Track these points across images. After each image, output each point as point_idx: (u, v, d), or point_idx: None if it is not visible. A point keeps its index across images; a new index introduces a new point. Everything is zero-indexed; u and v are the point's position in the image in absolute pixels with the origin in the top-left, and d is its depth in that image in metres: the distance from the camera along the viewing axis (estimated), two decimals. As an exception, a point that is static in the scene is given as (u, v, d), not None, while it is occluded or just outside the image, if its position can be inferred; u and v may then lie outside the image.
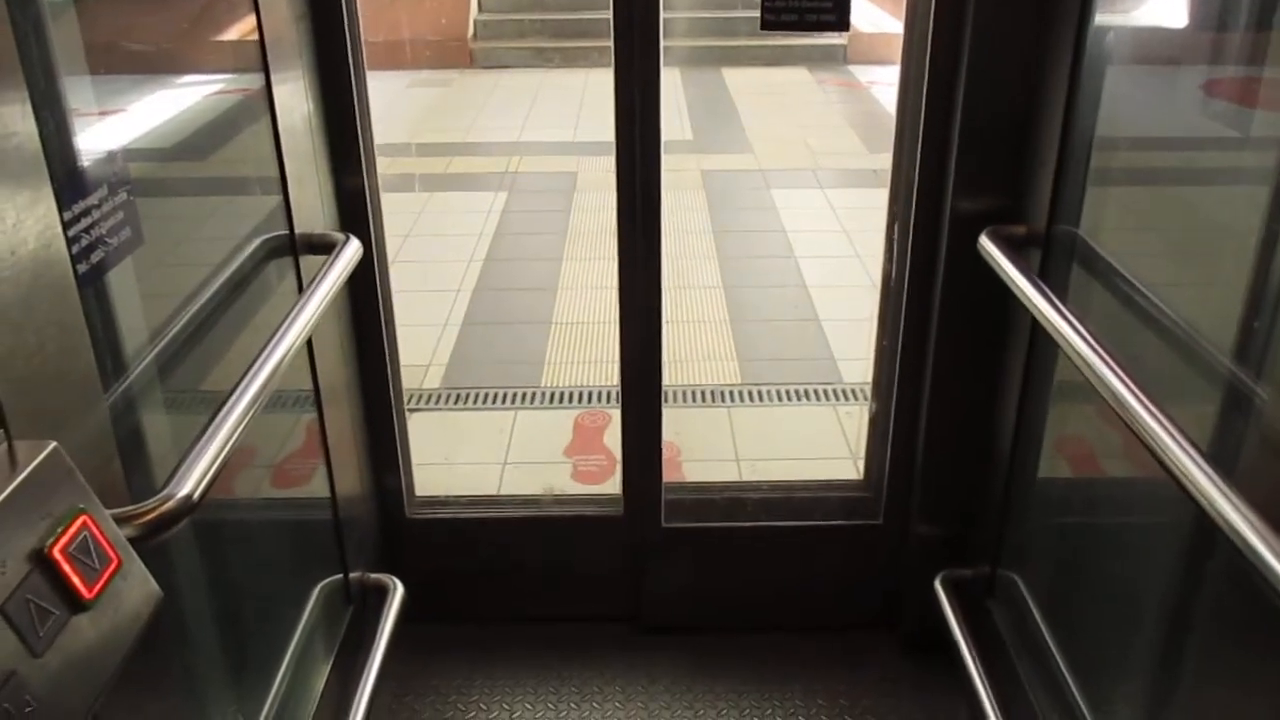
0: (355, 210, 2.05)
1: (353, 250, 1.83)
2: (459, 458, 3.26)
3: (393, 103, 8.22)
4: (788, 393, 3.66)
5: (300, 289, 1.79)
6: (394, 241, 2.27)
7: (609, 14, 1.92)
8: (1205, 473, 1.16)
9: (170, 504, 1.10)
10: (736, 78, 9.16)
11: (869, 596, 2.49)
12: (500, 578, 2.51)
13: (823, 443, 3.39)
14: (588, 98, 8.52)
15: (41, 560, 0.85)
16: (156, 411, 1.41)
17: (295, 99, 1.80)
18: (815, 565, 2.45)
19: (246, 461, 1.73)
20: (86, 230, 1.16)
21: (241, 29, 1.65)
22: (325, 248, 1.82)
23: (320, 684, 1.96)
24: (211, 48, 1.71)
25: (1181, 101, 1.61)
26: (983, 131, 1.91)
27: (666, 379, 2.28)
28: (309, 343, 1.79)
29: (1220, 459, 1.24)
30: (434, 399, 3.66)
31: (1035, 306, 1.64)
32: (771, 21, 1.90)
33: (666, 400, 2.32)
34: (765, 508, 2.45)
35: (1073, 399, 1.88)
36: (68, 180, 1.13)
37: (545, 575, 2.52)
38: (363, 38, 1.95)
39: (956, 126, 1.92)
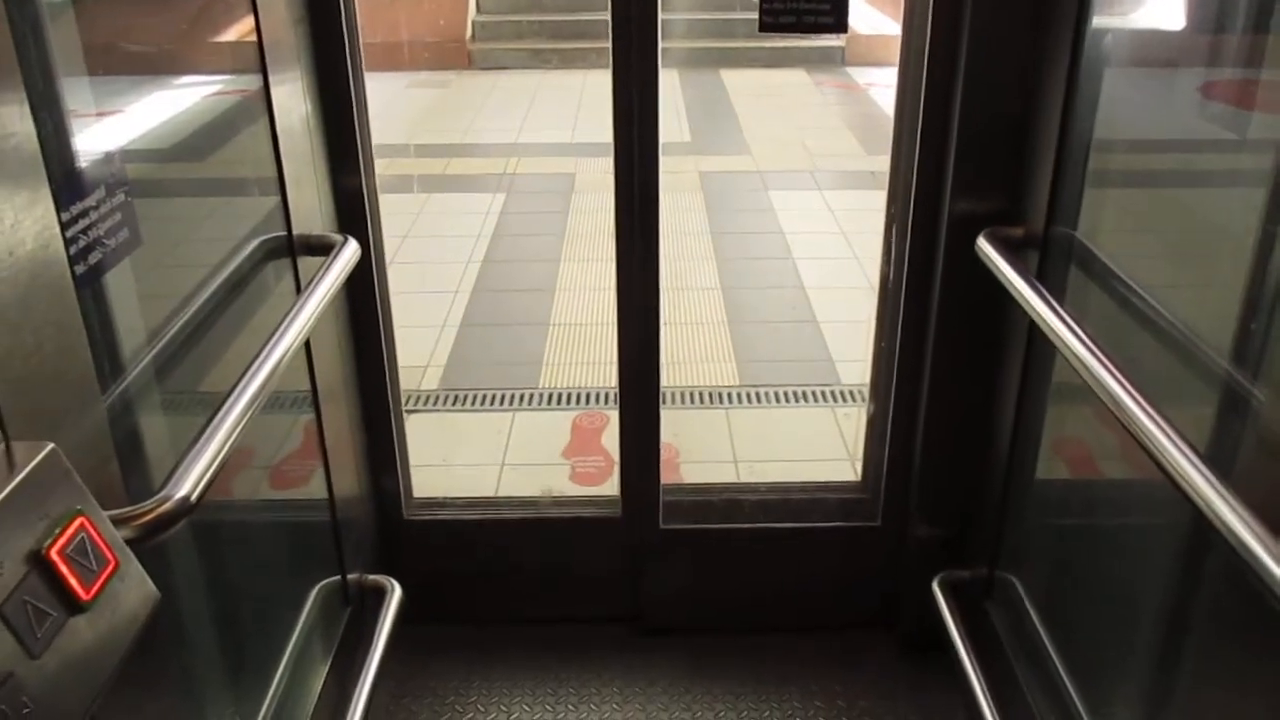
0: (353, 211, 2.05)
1: (351, 251, 1.83)
2: (457, 459, 3.26)
3: (391, 104, 8.22)
4: (786, 394, 3.66)
5: (298, 290, 1.79)
6: (392, 242, 2.27)
7: (607, 15, 1.93)
8: (1202, 474, 1.16)
9: (168, 505, 1.10)
10: (735, 79, 9.17)
11: (867, 597, 2.49)
12: (498, 579, 2.51)
13: (820, 444, 3.39)
14: (586, 99, 8.52)
15: (39, 562, 0.85)
16: (154, 413, 1.41)
17: (293, 100, 1.80)
18: (813, 567, 2.45)
19: (244, 463, 1.73)
20: (84, 231, 1.16)
21: (240, 30, 1.65)
22: (323, 249, 1.82)
23: (318, 685, 1.96)
24: (210, 49, 1.71)
25: (1179, 104, 1.61)
26: (980, 133, 1.91)
27: (664, 380, 2.28)
28: (307, 344, 1.79)
29: (1217, 460, 1.24)
30: (432, 400, 3.65)
31: (1033, 308, 1.64)
32: (770, 23, 1.90)
33: (665, 402, 2.32)
34: (763, 509, 2.45)
35: (1070, 401, 1.89)
36: (66, 181, 1.13)
37: (543, 577, 2.51)
38: (361, 39, 1.95)
39: (954, 128, 1.92)
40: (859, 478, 2.51)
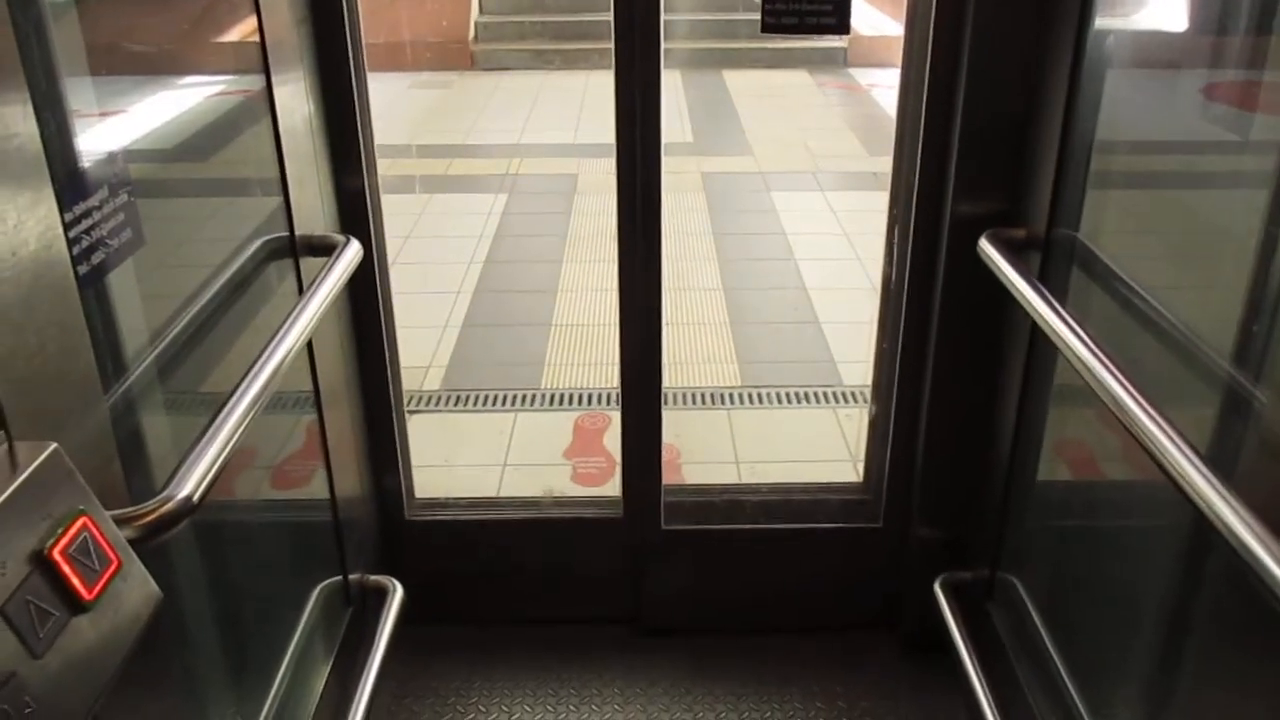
0: (355, 212, 2.05)
1: (353, 252, 1.83)
2: (459, 459, 3.26)
3: (393, 104, 8.22)
4: (787, 395, 3.66)
5: (300, 290, 1.79)
6: (394, 243, 2.27)
7: (610, 16, 1.93)
8: (1204, 476, 1.16)
9: (170, 505, 1.10)
10: (737, 80, 9.17)
11: (868, 598, 2.49)
12: (500, 579, 2.51)
13: (822, 445, 3.38)
14: (588, 100, 8.52)
15: (41, 561, 0.85)
16: (157, 413, 1.41)
17: (296, 100, 1.80)
18: (815, 567, 2.45)
19: (246, 463, 1.73)
20: (87, 231, 1.16)
21: (242, 30, 1.65)
22: (326, 249, 1.82)
23: (320, 685, 1.96)
24: (212, 49, 1.71)
25: (1181, 105, 1.61)
26: (983, 134, 1.91)
27: (666, 381, 2.28)
28: (309, 344, 1.79)
29: (1219, 462, 1.24)
30: (434, 401, 3.66)
31: (1035, 310, 1.64)
32: (772, 24, 1.90)
33: (666, 402, 2.32)
34: (765, 510, 2.45)
35: (1072, 402, 1.88)
36: (69, 181, 1.13)
37: (545, 577, 2.52)
38: (363, 39, 1.95)
39: (956, 130, 1.92)
40: (861, 479, 2.51)
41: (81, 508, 0.90)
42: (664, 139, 2.01)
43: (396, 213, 2.74)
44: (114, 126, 1.33)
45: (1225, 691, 1.43)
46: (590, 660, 2.42)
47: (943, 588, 2.20)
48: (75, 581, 0.87)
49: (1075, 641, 1.85)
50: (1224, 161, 1.53)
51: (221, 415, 1.29)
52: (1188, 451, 1.21)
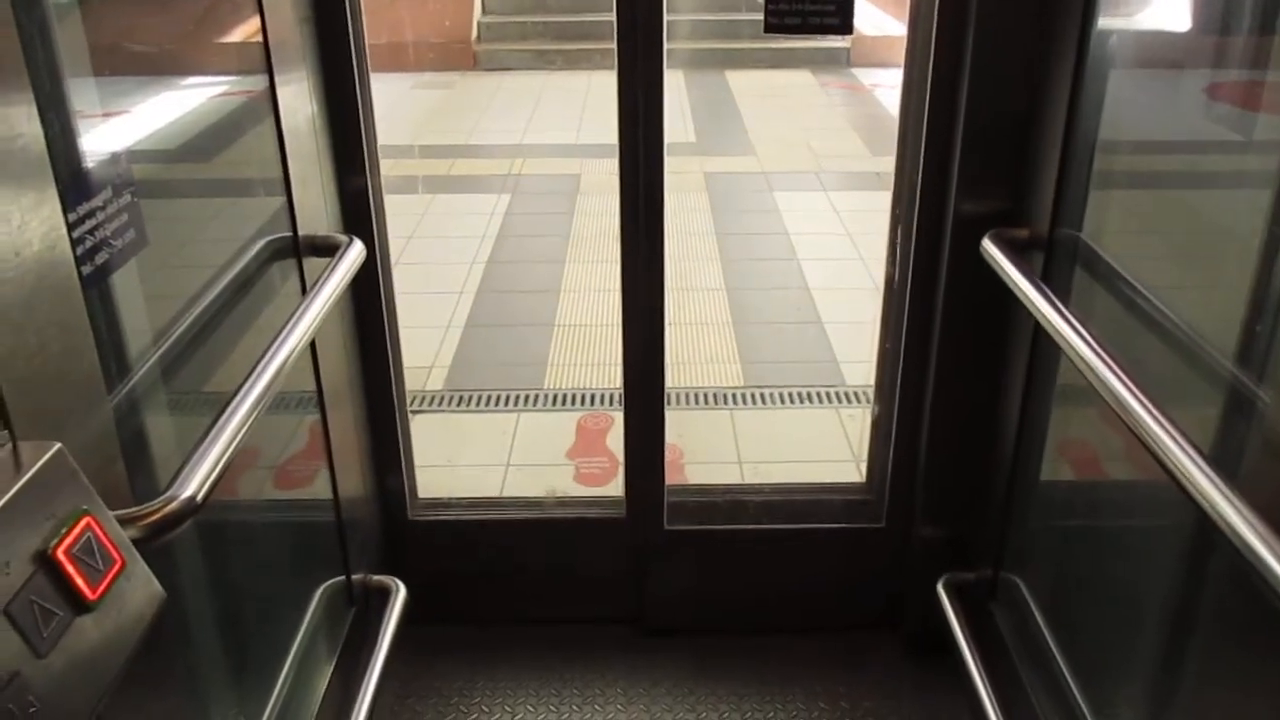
0: (358, 212, 2.06)
1: (356, 252, 1.83)
2: (462, 460, 3.26)
3: (396, 104, 8.23)
4: (790, 395, 3.66)
5: (304, 290, 1.79)
6: (397, 243, 2.27)
7: (612, 16, 1.93)
8: (1207, 475, 1.16)
9: (174, 505, 1.10)
10: (740, 80, 9.16)
11: (871, 598, 2.49)
12: (503, 580, 2.51)
13: (825, 445, 3.38)
14: (591, 100, 8.52)
15: (45, 561, 0.85)
16: (160, 413, 1.41)
17: (299, 101, 1.81)
18: (817, 568, 2.45)
19: (250, 463, 1.74)
20: (91, 232, 1.16)
21: (246, 31, 1.65)
22: (329, 249, 1.83)
23: (323, 685, 1.96)
24: (216, 50, 1.72)
25: (1184, 105, 1.61)
26: (985, 134, 1.91)
27: (669, 381, 2.28)
28: (312, 344, 1.80)
29: (1222, 462, 1.24)
30: (437, 401, 3.66)
31: (1038, 309, 1.64)
32: (775, 25, 1.90)
33: (669, 402, 2.32)
34: (768, 510, 2.45)
35: (1075, 402, 1.88)
36: (72, 182, 1.14)
37: (548, 577, 2.52)
38: (366, 40, 1.95)
39: (959, 130, 1.92)
40: (864, 479, 2.51)
41: (85, 508, 0.90)
42: (667, 139, 2.01)
43: (399, 213, 2.75)
44: (118, 127, 1.34)
45: (1229, 691, 1.43)
46: (593, 660, 2.42)
47: (945, 588, 2.20)
48: (79, 581, 0.87)
49: (1078, 641, 1.85)
50: (1227, 161, 1.53)
51: (225, 415, 1.29)
52: (1191, 451, 1.21)
